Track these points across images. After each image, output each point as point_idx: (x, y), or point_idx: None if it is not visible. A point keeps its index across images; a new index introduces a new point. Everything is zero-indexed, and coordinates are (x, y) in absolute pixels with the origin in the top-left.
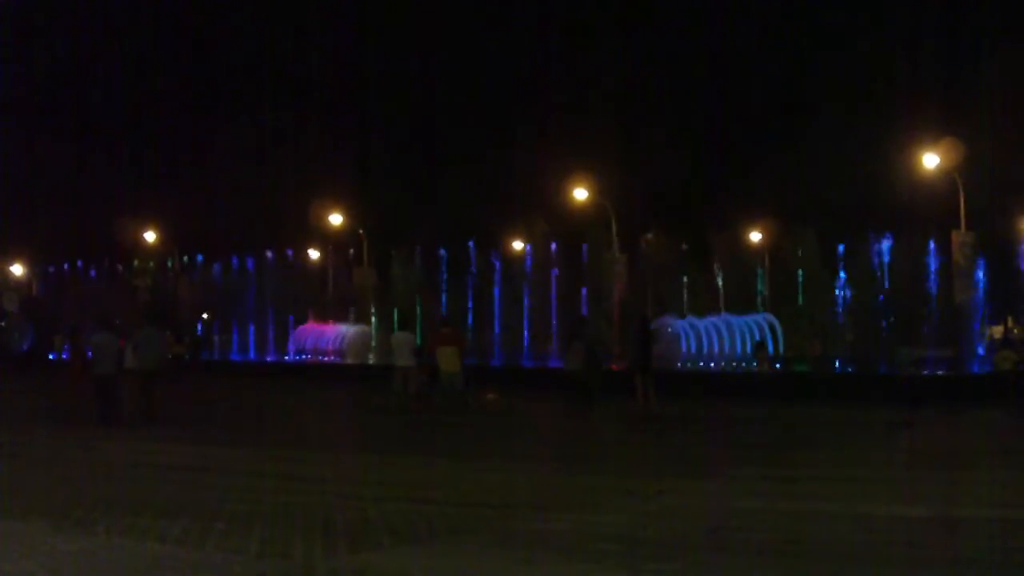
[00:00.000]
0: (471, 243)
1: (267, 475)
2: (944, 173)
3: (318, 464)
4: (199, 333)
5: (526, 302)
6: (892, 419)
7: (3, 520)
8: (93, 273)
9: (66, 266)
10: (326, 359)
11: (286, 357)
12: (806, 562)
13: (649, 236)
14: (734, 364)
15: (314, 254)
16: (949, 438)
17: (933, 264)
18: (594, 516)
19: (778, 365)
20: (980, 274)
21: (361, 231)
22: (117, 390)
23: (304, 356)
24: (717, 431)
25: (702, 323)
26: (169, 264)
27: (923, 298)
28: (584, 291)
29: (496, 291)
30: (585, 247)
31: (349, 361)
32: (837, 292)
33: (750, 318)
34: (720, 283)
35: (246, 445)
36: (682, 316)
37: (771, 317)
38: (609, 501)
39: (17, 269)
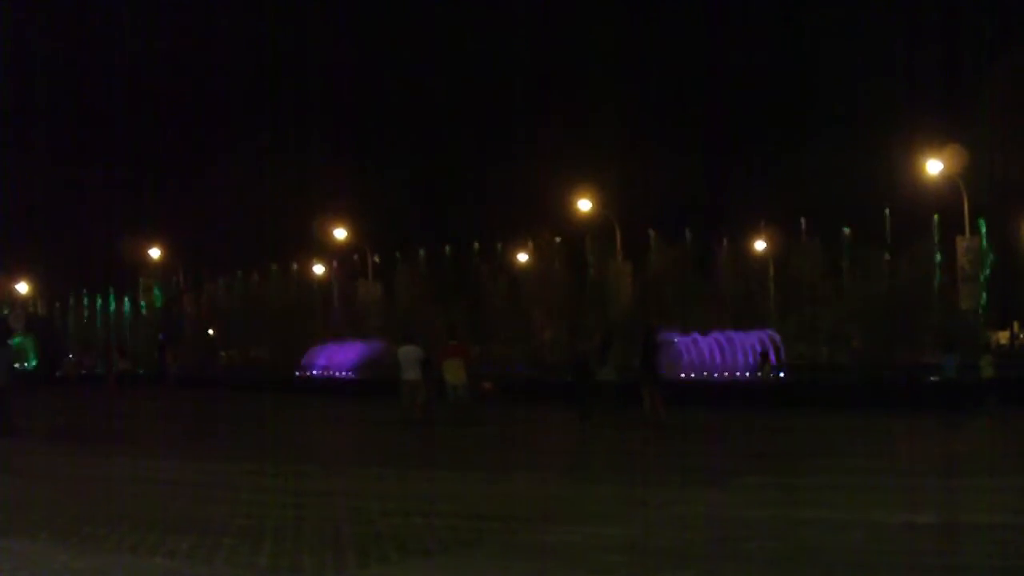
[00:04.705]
0: (476, 254)
1: (270, 490)
2: (948, 179)
3: (326, 479)
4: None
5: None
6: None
7: (11, 538)
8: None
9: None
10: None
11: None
12: (816, 570)
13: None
14: (736, 373)
15: (319, 268)
16: (955, 444)
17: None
18: (602, 527)
19: (782, 373)
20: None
21: (366, 245)
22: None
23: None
24: (724, 439)
25: (705, 339)
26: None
27: (928, 304)
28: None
29: (500, 301)
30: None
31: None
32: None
33: (753, 334)
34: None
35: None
36: (685, 331)
37: (774, 333)
38: (617, 511)
39: (22, 287)
